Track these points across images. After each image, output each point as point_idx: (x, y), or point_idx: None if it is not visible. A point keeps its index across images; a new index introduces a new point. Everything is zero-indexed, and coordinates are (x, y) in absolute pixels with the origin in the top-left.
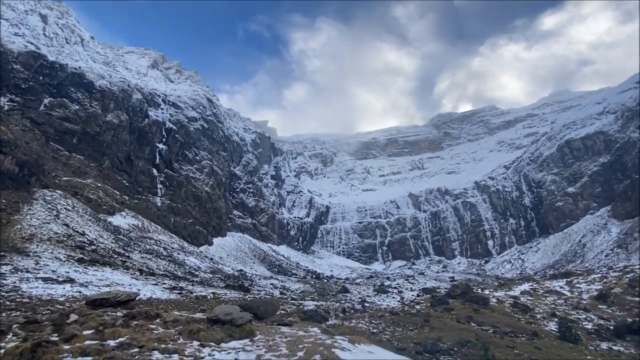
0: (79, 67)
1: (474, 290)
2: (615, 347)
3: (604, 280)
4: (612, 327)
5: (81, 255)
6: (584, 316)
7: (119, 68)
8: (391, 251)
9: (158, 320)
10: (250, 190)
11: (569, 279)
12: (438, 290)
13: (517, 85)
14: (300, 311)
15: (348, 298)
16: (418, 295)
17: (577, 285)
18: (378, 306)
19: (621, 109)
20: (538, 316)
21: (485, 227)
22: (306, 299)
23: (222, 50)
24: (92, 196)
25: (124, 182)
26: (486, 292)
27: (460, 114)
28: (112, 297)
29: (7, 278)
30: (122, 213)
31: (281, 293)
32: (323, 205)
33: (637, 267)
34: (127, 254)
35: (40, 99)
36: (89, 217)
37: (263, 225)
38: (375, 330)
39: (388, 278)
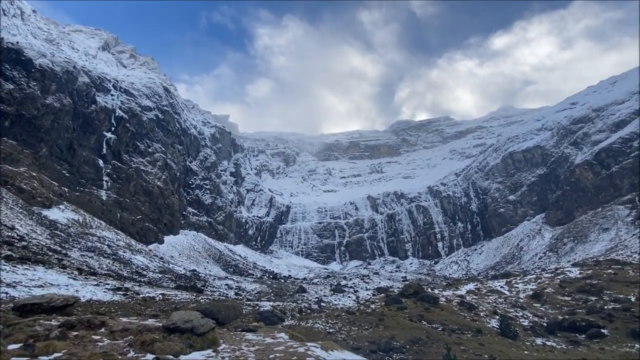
0: (17, 43)
1: (425, 289)
2: (548, 343)
3: (538, 281)
4: (545, 324)
5: (9, 252)
6: (521, 314)
7: (63, 47)
8: (348, 251)
9: (103, 329)
10: (207, 187)
11: (508, 280)
12: (392, 289)
13: (470, 99)
14: (255, 312)
15: (305, 298)
16: (373, 295)
17: (515, 285)
18: (334, 306)
19: (557, 126)
20: (482, 314)
21: (436, 229)
22: (262, 299)
23: (182, 38)
24: (25, 186)
25: (64, 172)
26: (436, 291)
27: (418, 122)
28: (45, 302)
29: None
30: (60, 206)
31: (236, 294)
32: (284, 205)
33: (567, 269)
34: (64, 252)
35: None
36: (20, 210)
37: (220, 223)
38: (331, 330)
39: (345, 278)
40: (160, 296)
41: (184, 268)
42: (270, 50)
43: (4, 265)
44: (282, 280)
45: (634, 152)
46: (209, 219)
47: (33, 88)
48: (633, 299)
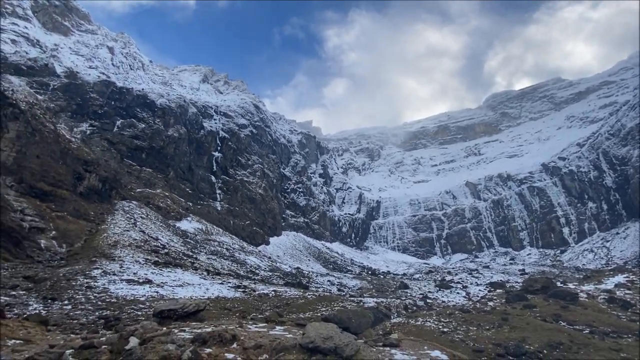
0: (142, 90)
1: (555, 284)
2: None
3: None
4: None
5: (156, 258)
6: None
7: (175, 86)
8: (450, 244)
9: (235, 345)
10: (300, 190)
11: None
12: (508, 284)
13: (585, 51)
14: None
15: (408, 294)
16: (488, 291)
17: None
18: (443, 303)
19: None
20: None
21: (559, 213)
22: (365, 295)
23: (261, 58)
24: (161, 204)
25: (187, 189)
26: (571, 286)
27: (519, 91)
28: (179, 308)
29: (98, 280)
30: (187, 218)
31: (339, 290)
32: (373, 201)
33: None
34: (194, 256)
35: (113, 122)
36: (161, 224)
37: (315, 223)
38: (445, 330)
39: (449, 272)
40: (273, 292)
41: (289, 266)
42: (339, 50)
43: (154, 269)
44: (382, 276)
45: None
46: (305, 220)
47: (158, 124)
48: None
